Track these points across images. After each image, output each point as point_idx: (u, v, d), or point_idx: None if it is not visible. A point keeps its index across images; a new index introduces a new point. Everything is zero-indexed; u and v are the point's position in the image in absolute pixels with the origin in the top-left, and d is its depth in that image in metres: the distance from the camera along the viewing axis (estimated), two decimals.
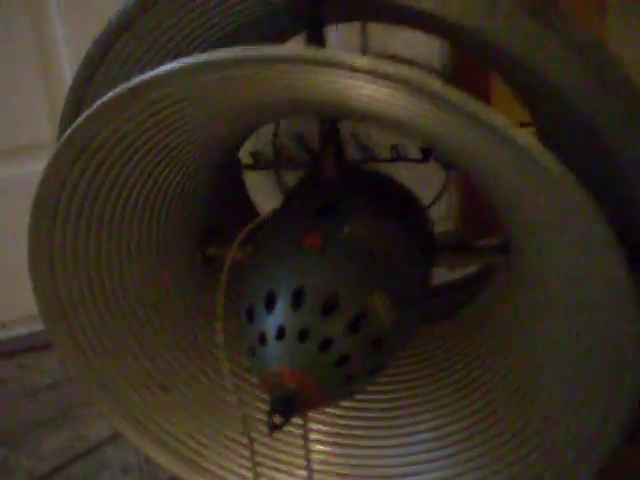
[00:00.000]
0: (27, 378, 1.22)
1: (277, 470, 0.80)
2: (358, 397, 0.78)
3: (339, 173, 0.71)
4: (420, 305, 0.69)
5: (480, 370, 0.75)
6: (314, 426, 0.79)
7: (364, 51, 0.93)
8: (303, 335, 0.61)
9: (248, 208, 0.94)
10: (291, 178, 0.94)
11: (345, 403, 0.78)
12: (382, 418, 0.78)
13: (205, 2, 0.64)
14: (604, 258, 0.52)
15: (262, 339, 0.62)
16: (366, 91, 0.49)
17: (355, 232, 0.65)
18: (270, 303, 0.63)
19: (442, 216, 1.33)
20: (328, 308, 0.61)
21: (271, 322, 0.62)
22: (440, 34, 0.70)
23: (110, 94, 0.52)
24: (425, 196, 0.82)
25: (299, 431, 0.79)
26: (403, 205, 0.73)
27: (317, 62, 0.47)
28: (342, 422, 0.80)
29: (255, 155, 0.90)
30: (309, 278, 0.62)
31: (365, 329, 0.62)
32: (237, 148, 0.82)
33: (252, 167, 0.91)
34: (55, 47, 1.20)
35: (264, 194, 0.95)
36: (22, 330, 1.25)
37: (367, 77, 0.47)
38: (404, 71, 0.45)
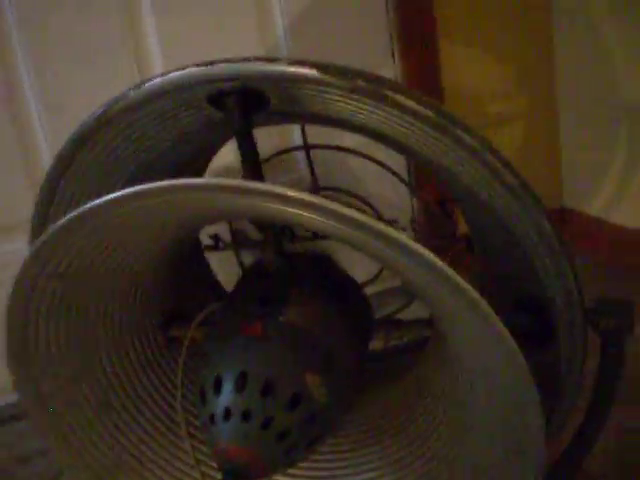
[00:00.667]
0: (19, 444, 1.29)
1: None
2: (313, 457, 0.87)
3: (279, 263, 0.80)
4: (356, 378, 0.77)
5: (413, 435, 0.83)
6: None
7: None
8: (246, 415, 0.69)
9: (214, 287, 1.03)
10: (252, 257, 1.03)
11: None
12: (330, 476, 0.86)
13: (148, 127, 0.73)
14: (499, 345, 0.60)
15: (212, 419, 0.71)
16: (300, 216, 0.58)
17: (293, 319, 0.73)
18: (217, 386, 0.71)
19: None
20: (267, 390, 0.70)
21: (219, 404, 0.70)
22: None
23: (58, 223, 0.62)
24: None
25: None
26: (340, 286, 0.82)
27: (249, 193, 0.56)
28: None
29: (214, 237, 0.99)
30: (250, 363, 0.71)
31: (301, 406, 0.70)
32: (194, 234, 0.91)
33: (213, 248, 1.00)
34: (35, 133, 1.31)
35: (229, 273, 1.04)
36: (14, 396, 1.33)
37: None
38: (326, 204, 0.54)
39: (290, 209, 0.58)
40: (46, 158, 1.31)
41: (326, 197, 0.56)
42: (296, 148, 1.02)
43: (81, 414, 0.83)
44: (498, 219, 0.72)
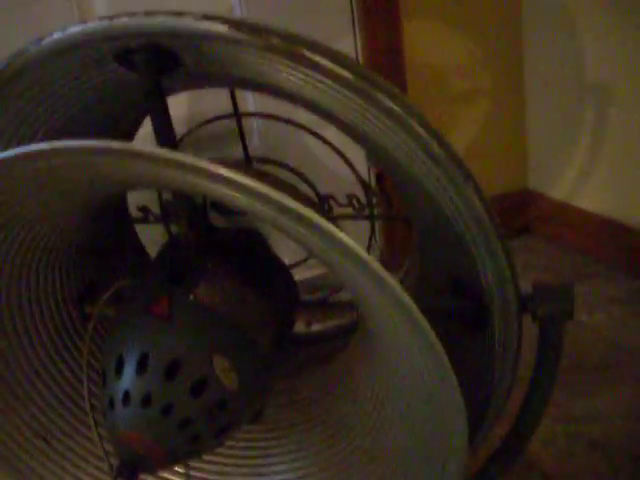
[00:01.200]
0: None
1: None
2: (230, 443, 0.81)
3: (194, 236, 0.74)
4: (273, 362, 0.72)
5: (342, 421, 0.78)
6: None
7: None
8: (146, 400, 0.64)
9: (142, 258, 0.98)
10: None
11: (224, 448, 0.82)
12: (241, 465, 0.81)
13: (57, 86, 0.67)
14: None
15: (111, 403, 0.65)
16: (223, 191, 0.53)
17: (202, 299, 0.68)
18: (119, 368, 0.66)
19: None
20: (170, 373, 0.64)
21: (118, 387, 0.65)
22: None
23: None
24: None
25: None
26: (261, 266, 0.76)
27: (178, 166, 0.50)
28: (207, 467, 0.83)
29: (143, 210, 0.93)
30: (154, 344, 0.66)
31: (207, 392, 0.65)
32: (115, 205, 0.85)
33: (142, 221, 0.94)
34: None
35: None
36: None
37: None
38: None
39: (190, 178, 0.52)
40: None
41: (254, 169, 0.51)
42: (226, 116, 0.96)
43: None
44: (428, 195, 0.67)
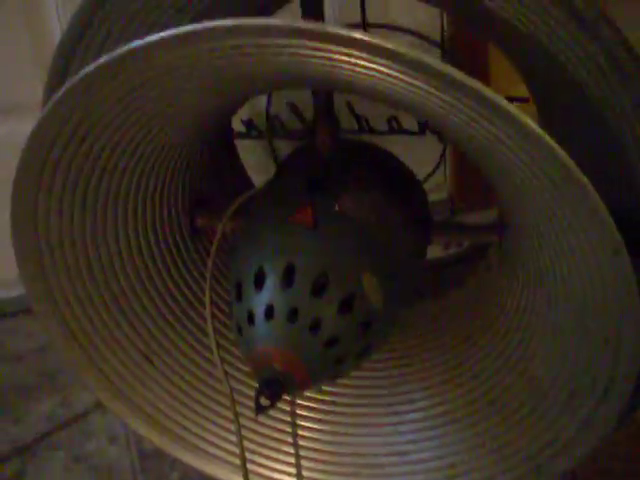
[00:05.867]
0: (12, 342, 1.20)
1: (264, 447, 0.79)
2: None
3: (333, 146, 0.68)
4: (412, 284, 0.67)
5: (472, 350, 0.73)
6: (303, 403, 0.78)
7: (363, 20, 0.89)
8: (292, 315, 0.59)
9: (242, 178, 0.92)
10: (285, 147, 0.92)
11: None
12: (371, 396, 0.77)
13: None
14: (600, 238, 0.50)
15: (250, 318, 0.60)
16: (361, 67, 0.47)
17: (348, 208, 0.63)
18: (259, 281, 0.61)
19: (435, 188, 1.30)
20: (318, 288, 0.59)
21: (260, 301, 0.60)
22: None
23: (98, 61, 0.50)
24: (421, 169, 0.79)
25: (288, 408, 0.78)
26: (399, 180, 0.70)
27: (314, 35, 0.45)
28: (329, 398, 0.78)
29: (248, 124, 0.87)
30: (299, 256, 0.60)
31: (355, 310, 0.60)
32: (229, 117, 0.79)
33: (245, 136, 0.88)
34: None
35: (258, 164, 0.93)
36: (5, 293, 1.23)
37: (364, 52, 0.44)
38: (401, 48, 0.43)
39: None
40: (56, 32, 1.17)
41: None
42: None
43: (93, 311, 0.73)
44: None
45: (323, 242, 0.61)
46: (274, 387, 0.59)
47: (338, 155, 0.69)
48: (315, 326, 0.59)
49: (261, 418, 0.76)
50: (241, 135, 0.89)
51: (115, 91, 0.55)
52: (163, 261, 0.77)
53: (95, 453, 1.03)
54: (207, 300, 0.69)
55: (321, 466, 0.78)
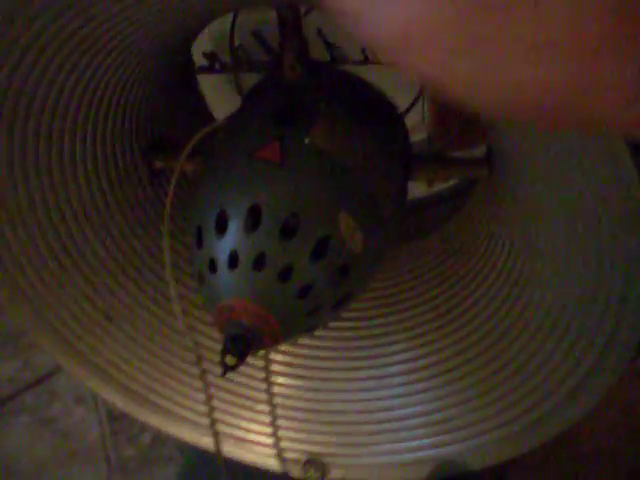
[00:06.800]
0: None
1: (236, 405, 0.73)
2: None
3: (302, 72, 0.61)
4: (393, 225, 0.60)
5: (463, 293, 0.67)
6: (277, 357, 0.72)
7: None
8: (259, 262, 0.52)
9: (204, 115, 0.85)
10: (251, 81, 0.84)
11: None
12: (352, 348, 0.71)
13: None
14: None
15: (212, 266, 0.54)
16: None
17: (320, 142, 0.56)
18: (221, 225, 0.54)
19: (415, 124, 1.23)
20: (288, 230, 0.53)
21: (222, 247, 0.53)
22: None
23: None
24: (399, 103, 0.72)
25: (261, 362, 0.72)
26: (377, 111, 0.63)
27: None
28: (306, 352, 0.72)
29: (210, 56, 0.79)
30: (266, 196, 0.53)
31: (331, 254, 0.53)
32: (186, 47, 0.71)
33: (207, 70, 0.80)
34: None
35: (222, 99, 0.85)
36: None
37: None
38: None
39: None
40: None
41: None
42: None
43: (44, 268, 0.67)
44: None
45: (292, 179, 0.54)
46: (241, 344, 0.52)
47: (308, 83, 0.61)
48: (285, 274, 0.52)
49: (232, 376, 0.70)
50: (203, 69, 0.81)
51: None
52: (120, 209, 0.70)
53: (61, 416, 0.97)
54: (166, 245, 0.62)
55: (299, 425, 0.72)
